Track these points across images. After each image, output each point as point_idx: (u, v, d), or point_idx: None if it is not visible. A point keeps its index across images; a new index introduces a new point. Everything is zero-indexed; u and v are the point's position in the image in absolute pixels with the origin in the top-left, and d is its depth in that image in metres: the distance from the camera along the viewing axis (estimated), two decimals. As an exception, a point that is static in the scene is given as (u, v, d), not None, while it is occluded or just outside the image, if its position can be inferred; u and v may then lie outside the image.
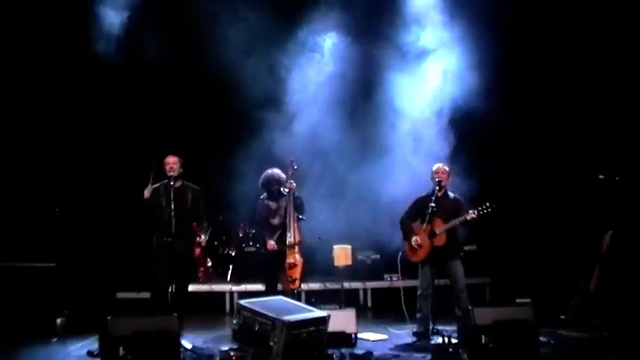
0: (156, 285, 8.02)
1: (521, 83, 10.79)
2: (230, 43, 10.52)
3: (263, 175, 8.90)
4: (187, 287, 8.32)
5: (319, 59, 11.11)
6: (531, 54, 10.71)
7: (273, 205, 8.84)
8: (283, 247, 8.65)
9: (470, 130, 10.63)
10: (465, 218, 7.91)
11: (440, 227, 8.04)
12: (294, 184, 8.76)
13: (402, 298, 9.03)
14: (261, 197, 8.95)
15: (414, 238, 8.14)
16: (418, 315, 8.23)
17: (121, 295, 10.69)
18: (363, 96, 11.20)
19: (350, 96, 11.14)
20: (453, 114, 10.51)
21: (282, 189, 8.83)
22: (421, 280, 8.26)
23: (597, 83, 10.40)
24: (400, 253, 8.61)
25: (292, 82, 10.94)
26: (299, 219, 8.75)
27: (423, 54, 10.84)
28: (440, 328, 8.02)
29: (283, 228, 8.73)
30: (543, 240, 10.66)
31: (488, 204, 7.84)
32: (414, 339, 8.12)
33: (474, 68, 10.34)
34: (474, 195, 8.92)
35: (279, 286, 8.73)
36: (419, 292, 8.26)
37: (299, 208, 8.81)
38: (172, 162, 8.10)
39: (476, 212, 7.84)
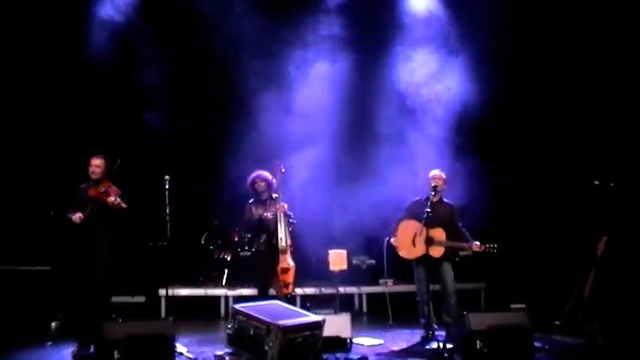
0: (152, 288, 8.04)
1: (517, 91, 10.81)
2: (226, 39, 10.51)
3: (249, 177, 8.83)
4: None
5: (319, 62, 11.05)
6: (528, 63, 10.74)
7: (259, 210, 8.75)
8: (275, 251, 8.60)
9: (466, 136, 10.65)
10: (470, 247, 8.08)
11: (440, 238, 8.07)
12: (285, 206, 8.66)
13: (388, 302, 9.04)
14: (250, 201, 8.86)
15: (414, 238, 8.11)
16: (422, 321, 8.26)
17: (115, 299, 10.64)
18: (364, 97, 11.27)
19: (350, 101, 11.16)
20: (452, 120, 10.53)
21: (272, 194, 8.78)
22: (418, 286, 8.30)
23: (591, 89, 10.44)
24: (386, 240, 8.57)
25: (291, 86, 10.92)
26: (290, 223, 8.70)
27: (425, 55, 10.86)
28: (436, 333, 8.02)
29: (272, 232, 8.64)
30: (538, 245, 10.68)
31: (495, 245, 7.96)
32: (409, 345, 8.09)
33: (472, 76, 10.39)
34: (468, 202, 8.98)
35: (272, 291, 8.67)
36: (418, 298, 8.30)
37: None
38: (95, 164, 7.99)
39: (482, 247, 7.98)
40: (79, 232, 7.78)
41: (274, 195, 8.76)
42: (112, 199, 7.74)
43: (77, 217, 7.73)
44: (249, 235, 11.18)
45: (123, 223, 8.08)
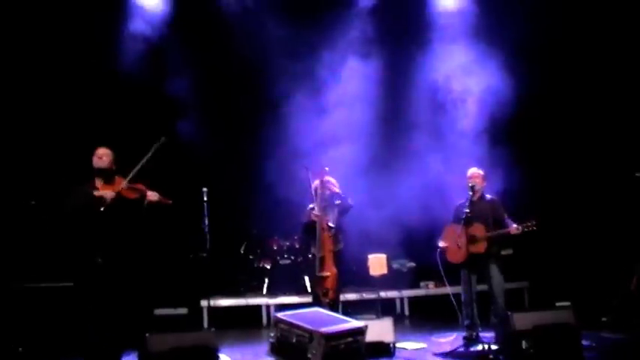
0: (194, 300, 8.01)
1: (557, 83, 10.70)
2: (256, 45, 10.57)
3: (313, 184, 8.74)
4: None
5: (350, 62, 10.99)
6: (567, 50, 10.61)
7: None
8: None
9: (506, 132, 10.52)
10: (509, 232, 7.96)
11: (481, 233, 8.00)
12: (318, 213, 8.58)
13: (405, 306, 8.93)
14: (310, 206, 8.72)
15: (457, 240, 8.07)
16: (466, 322, 8.19)
17: (158, 311, 10.72)
18: (395, 100, 11.25)
19: (383, 100, 11.13)
20: (488, 113, 10.39)
21: (335, 200, 8.69)
22: (463, 287, 8.27)
23: (631, 78, 10.27)
24: (438, 251, 8.44)
25: (322, 88, 10.88)
26: (329, 227, 8.58)
27: (457, 49, 10.77)
28: (480, 334, 7.94)
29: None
30: (581, 241, 10.52)
31: (534, 222, 7.82)
32: (453, 348, 8.00)
33: (506, 68, 10.24)
34: (509, 197, 8.87)
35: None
36: (463, 299, 8.25)
37: (340, 212, 8.64)
38: (102, 152, 7.18)
39: (520, 228, 7.87)
40: (88, 241, 6.87)
41: (337, 201, 8.68)
42: (153, 195, 7.02)
43: (109, 194, 6.81)
44: (288, 243, 11.28)
45: (148, 228, 7.45)
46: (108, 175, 7.09)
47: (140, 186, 7.13)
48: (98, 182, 7.09)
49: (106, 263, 6.87)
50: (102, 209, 6.82)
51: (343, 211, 8.62)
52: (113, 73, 10.33)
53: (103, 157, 7.11)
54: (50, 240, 8.97)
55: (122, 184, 7.00)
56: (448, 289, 8.45)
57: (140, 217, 7.14)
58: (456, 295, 8.42)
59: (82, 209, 6.87)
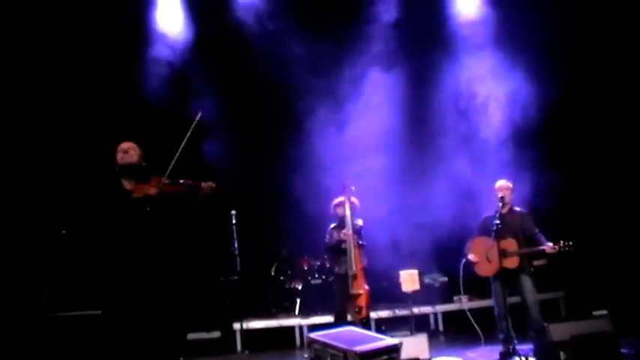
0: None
1: (582, 85, 10.62)
2: (278, 63, 10.60)
3: (333, 202, 8.79)
4: None
5: (372, 76, 10.97)
6: (591, 52, 10.52)
7: (340, 234, 8.70)
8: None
9: (535, 136, 10.44)
10: (544, 250, 7.87)
11: (512, 248, 7.91)
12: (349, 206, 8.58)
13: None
14: (332, 225, 8.82)
15: (487, 253, 8.00)
16: (501, 336, 8.08)
17: (191, 336, 10.72)
18: (421, 110, 11.25)
19: (408, 112, 11.12)
20: (518, 122, 10.35)
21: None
22: (495, 300, 8.14)
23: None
24: (463, 260, 8.35)
25: (346, 101, 10.90)
26: (359, 245, 8.60)
27: (479, 58, 10.75)
28: (517, 347, 7.83)
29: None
30: (616, 247, 10.36)
31: (570, 243, 7.71)
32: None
33: (530, 74, 10.18)
34: (542, 201, 8.78)
35: (349, 317, 8.60)
36: (496, 313, 8.14)
37: (358, 232, 8.65)
38: (127, 146, 6.10)
39: (557, 248, 7.75)
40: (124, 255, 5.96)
41: (359, 221, 8.69)
42: (208, 185, 6.05)
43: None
44: (319, 263, 11.27)
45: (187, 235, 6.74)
46: (139, 173, 6.03)
47: (187, 181, 6.14)
48: (128, 183, 6.07)
49: (143, 280, 5.97)
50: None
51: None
52: (138, 97, 10.43)
53: (129, 150, 6.04)
54: (82, 267, 9.00)
55: (162, 180, 5.93)
56: (465, 305, 8.40)
57: (192, 214, 6.36)
58: (482, 310, 8.35)
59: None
